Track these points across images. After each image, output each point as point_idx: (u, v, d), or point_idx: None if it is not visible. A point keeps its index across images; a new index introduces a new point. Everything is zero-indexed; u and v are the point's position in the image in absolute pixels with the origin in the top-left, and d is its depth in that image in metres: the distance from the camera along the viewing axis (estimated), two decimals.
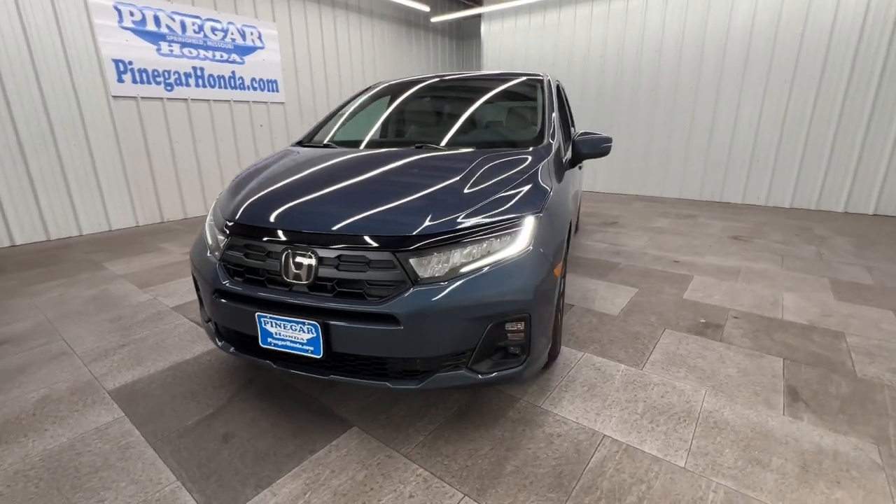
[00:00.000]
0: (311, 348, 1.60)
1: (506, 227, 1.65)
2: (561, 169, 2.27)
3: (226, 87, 6.25)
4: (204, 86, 6.01)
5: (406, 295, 1.53)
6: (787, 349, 2.36)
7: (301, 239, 1.65)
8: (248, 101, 6.54)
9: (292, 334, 1.61)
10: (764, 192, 6.49)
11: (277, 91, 6.87)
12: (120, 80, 5.24)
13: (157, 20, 5.43)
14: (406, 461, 1.61)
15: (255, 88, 6.58)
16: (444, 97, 3.14)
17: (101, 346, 2.49)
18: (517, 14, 8.22)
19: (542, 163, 2.05)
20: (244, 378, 2.15)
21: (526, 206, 1.74)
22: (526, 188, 1.83)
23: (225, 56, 6.17)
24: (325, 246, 1.61)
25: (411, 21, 9.03)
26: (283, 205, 1.82)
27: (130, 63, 5.30)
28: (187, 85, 5.83)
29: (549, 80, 2.90)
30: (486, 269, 1.58)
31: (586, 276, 3.55)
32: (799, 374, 2.13)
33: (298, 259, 1.63)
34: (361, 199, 1.77)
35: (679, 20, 6.70)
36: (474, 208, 1.67)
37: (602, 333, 2.57)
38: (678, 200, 6.91)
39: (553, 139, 2.36)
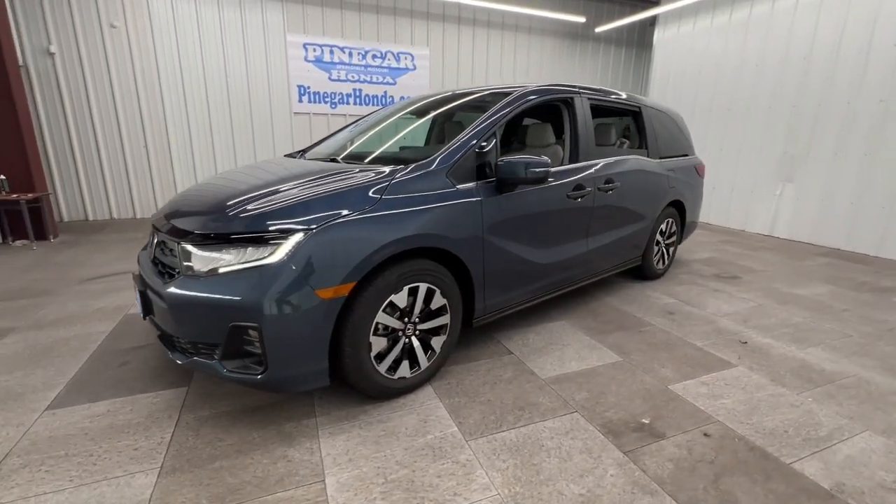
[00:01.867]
0: (141, 313, 2.02)
1: (271, 238, 1.69)
2: (442, 194, 2.04)
3: (378, 105, 7.42)
4: (360, 104, 7.30)
5: (175, 280, 1.77)
6: None
7: (155, 225, 2.08)
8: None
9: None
10: None
11: None
12: (300, 101, 6.92)
13: (331, 53, 6.93)
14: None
15: None
16: (413, 114, 3.10)
17: None
18: (697, 13, 6.84)
19: (376, 184, 1.92)
20: None
21: (302, 221, 1.71)
22: (318, 205, 1.78)
23: (380, 79, 7.34)
24: (160, 231, 2.00)
25: (575, 33, 8.61)
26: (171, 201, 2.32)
27: (308, 87, 6.93)
28: (347, 103, 7.21)
29: (519, 93, 2.55)
30: (233, 271, 1.67)
31: (582, 327, 2.88)
32: None
33: (155, 240, 2.07)
34: (210, 198, 2.07)
35: None
36: (254, 215, 1.76)
37: (505, 397, 2.14)
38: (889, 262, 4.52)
39: (447, 161, 2.12)
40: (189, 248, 1.76)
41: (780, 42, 5.79)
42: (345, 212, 1.78)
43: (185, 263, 1.76)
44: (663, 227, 3.80)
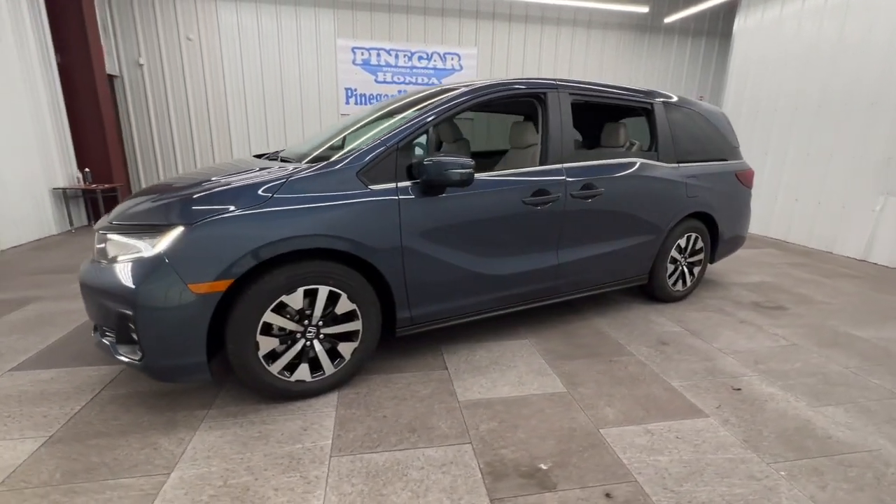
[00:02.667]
0: None
1: (156, 231, 1.74)
2: (348, 195, 1.94)
3: None
4: None
5: (84, 266, 1.91)
6: None
7: None
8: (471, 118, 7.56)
9: None
10: None
11: None
12: (347, 103, 7.22)
13: (378, 56, 7.12)
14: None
15: None
16: (389, 113, 2.98)
17: None
18: None
19: (270, 182, 1.88)
20: None
21: (184, 216, 1.74)
22: (204, 201, 1.79)
23: (426, 80, 7.37)
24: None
25: (642, 25, 7.83)
26: None
27: (355, 89, 7.20)
28: None
29: (459, 91, 2.35)
30: (123, 261, 1.75)
31: (544, 348, 2.57)
32: None
33: None
34: (144, 192, 2.19)
35: None
36: (147, 209, 1.83)
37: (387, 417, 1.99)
38: None
39: (358, 161, 2.01)
40: (98, 235, 1.89)
41: (890, 24, 4.67)
42: (230, 208, 1.78)
43: (97, 248, 1.90)
44: (681, 242, 3.27)
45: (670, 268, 3.30)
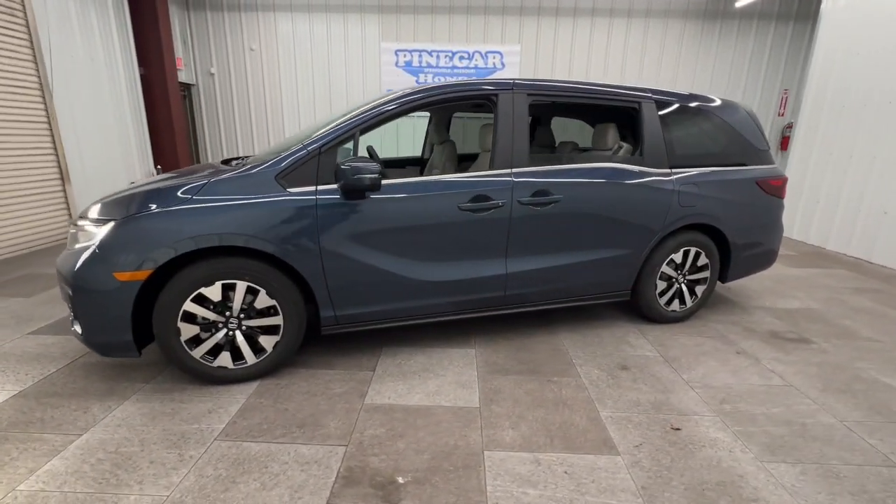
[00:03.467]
0: None
1: (100, 223, 2.01)
2: (265, 197, 2.06)
3: None
4: None
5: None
6: None
7: None
8: (479, 117, 7.49)
9: None
10: None
11: None
12: None
13: (420, 57, 7.25)
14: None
15: None
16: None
17: None
18: None
19: (193, 183, 2.06)
20: None
21: (115, 212, 1.98)
22: (135, 200, 2.02)
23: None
24: None
25: (709, 11, 6.98)
26: None
27: None
28: None
29: (393, 97, 2.35)
30: (74, 249, 2.05)
31: (484, 360, 2.46)
32: None
33: None
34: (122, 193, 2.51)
35: None
36: (99, 205, 2.11)
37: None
38: None
39: (276, 165, 2.12)
40: (71, 226, 2.23)
41: None
42: (153, 207, 1.99)
43: (69, 235, 2.23)
44: (676, 257, 2.91)
45: (661, 285, 2.96)
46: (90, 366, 2.38)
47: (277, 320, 2.20)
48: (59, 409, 2.00)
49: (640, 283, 2.91)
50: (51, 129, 4.77)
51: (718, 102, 3.02)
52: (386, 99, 2.34)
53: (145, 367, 2.37)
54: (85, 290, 1.94)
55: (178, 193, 2.02)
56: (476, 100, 2.49)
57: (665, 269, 2.92)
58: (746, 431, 1.96)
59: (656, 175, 2.74)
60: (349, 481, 1.62)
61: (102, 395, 2.11)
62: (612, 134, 2.98)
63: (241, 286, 2.10)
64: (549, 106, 3.77)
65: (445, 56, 7.25)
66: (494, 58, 7.25)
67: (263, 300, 2.15)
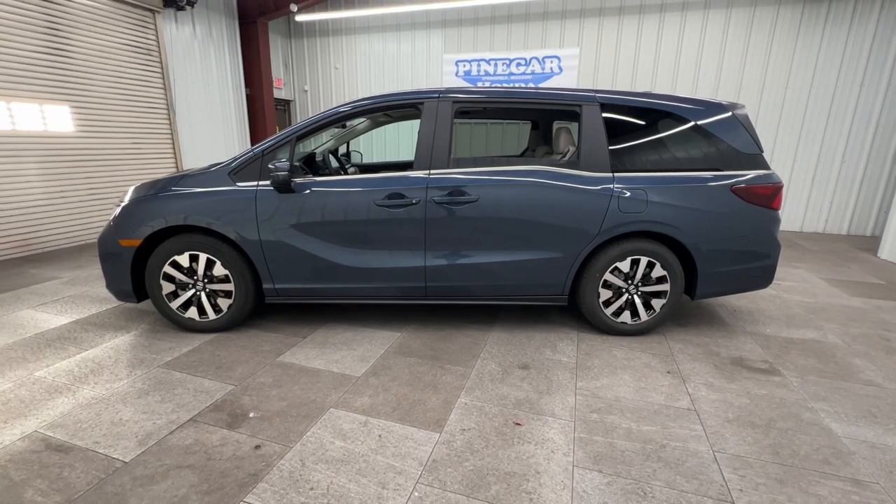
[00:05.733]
0: None
1: (118, 205, 2.82)
2: (219, 189, 2.67)
3: None
4: None
5: None
6: None
7: None
8: (527, 123, 7.47)
9: None
10: None
11: None
12: None
13: (478, 66, 7.54)
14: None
15: None
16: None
17: None
18: None
19: (179, 177, 2.73)
20: None
21: (123, 198, 2.77)
22: (142, 188, 2.80)
23: (523, 86, 7.39)
24: None
25: None
26: None
27: None
28: None
29: (331, 110, 2.75)
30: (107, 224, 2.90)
31: (399, 344, 2.71)
32: None
33: None
34: None
35: None
36: (128, 190, 2.94)
37: None
38: None
39: (230, 164, 2.70)
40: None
41: None
42: (149, 194, 2.73)
43: None
44: (622, 265, 2.77)
45: (605, 294, 2.84)
46: (127, 309, 3.28)
47: (230, 287, 2.79)
48: (88, 333, 2.86)
49: (579, 289, 2.84)
50: (172, 140, 6.29)
51: (692, 105, 2.78)
52: (323, 112, 2.78)
53: (154, 314, 3.18)
54: (104, 252, 2.77)
55: (165, 184, 2.74)
56: (407, 107, 2.78)
57: (610, 277, 2.80)
58: (588, 439, 1.91)
59: (590, 179, 2.68)
60: (216, 408, 2.08)
61: (118, 329, 2.93)
62: (563, 137, 2.97)
63: (203, 257, 2.73)
64: (541, 112, 3.81)
65: (503, 64, 7.41)
66: (552, 62, 7.17)
67: (219, 270, 2.75)
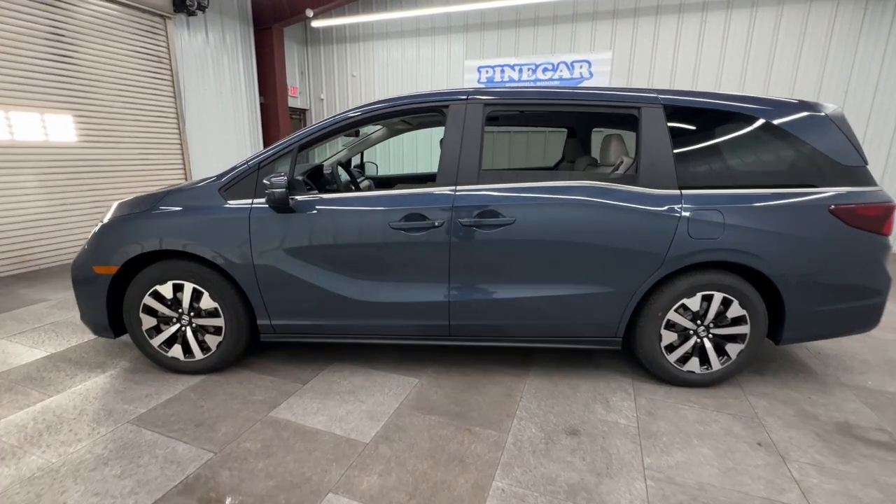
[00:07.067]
0: None
1: (97, 225, 2.45)
2: (207, 207, 2.27)
3: None
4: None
5: None
6: None
7: None
8: (563, 131, 6.98)
9: None
10: None
11: None
12: None
13: (502, 72, 7.11)
14: None
15: None
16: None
17: None
18: None
19: (160, 193, 2.38)
20: None
21: (105, 216, 2.38)
22: (124, 205, 2.43)
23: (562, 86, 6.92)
24: None
25: None
26: None
27: None
28: None
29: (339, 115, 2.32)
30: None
31: (419, 395, 2.24)
32: None
33: None
34: None
35: None
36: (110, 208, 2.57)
37: None
38: None
39: (221, 178, 2.32)
40: None
41: None
42: (130, 212, 2.34)
43: None
44: (690, 303, 2.26)
45: (670, 337, 2.32)
46: (109, 341, 2.90)
47: (220, 322, 2.37)
48: (59, 372, 2.47)
49: (636, 330, 2.33)
50: (182, 150, 6.01)
51: (775, 106, 2.27)
52: (330, 118, 2.36)
53: (137, 349, 2.79)
54: (77, 278, 2.38)
55: (147, 201, 2.35)
56: (427, 112, 2.35)
57: (674, 316, 2.29)
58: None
59: (653, 197, 2.18)
60: (186, 489, 1.64)
61: (93, 368, 2.54)
62: (613, 147, 2.49)
63: (189, 287, 2.32)
64: (587, 116, 3.35)
65: (528, 69, 6.97)
66: (581, 67, 6.69)
67: (207, 302, 2.34)
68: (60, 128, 4.64)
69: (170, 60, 5.72)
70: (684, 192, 2.19)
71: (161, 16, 5.54)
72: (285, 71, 7.43)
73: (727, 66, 6.09)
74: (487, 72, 7.20)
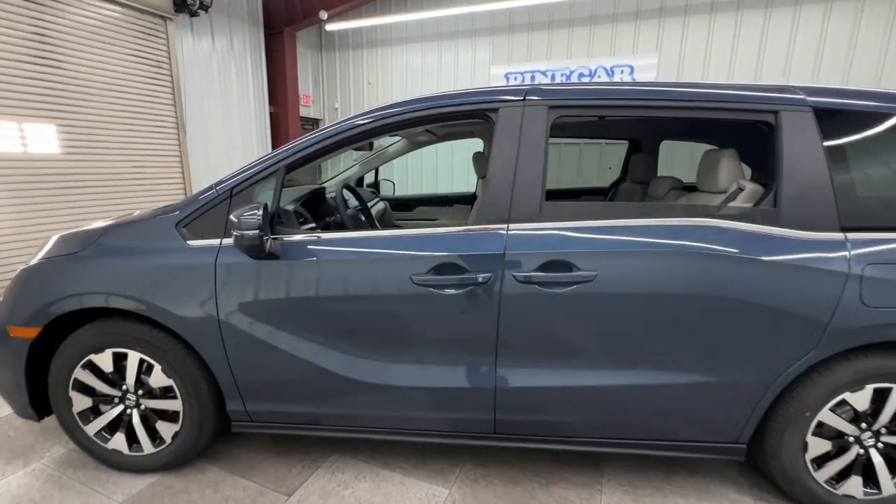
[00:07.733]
0: None
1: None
2: (158, 249, 1.62)
3: None
4: None
5: None
6: None
7: None
8: (600, 143, 6.29)
9: None
10: None
11: None
12: None
13: (532, 79, 6.46)
14: None
15: None
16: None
17: None
18: None
19: (98, 229, 1.76)
20: None
21: (32, 258, 1.76)
22: (53, 244, 1.81)
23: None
24: None
25: None
26: None
27: None
28: None
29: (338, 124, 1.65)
30: None
31: None
32: None
33: None
34: None
35: None
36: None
37: None
38: None
39: (182, 210, 1.66)
40: None
41: None
42: (54, 254, 1.72)
43: None
44: (854, 399, 1.51)
45: (821, 446, 1.57)
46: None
47: (177, 404, 1.72)
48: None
49: (768, 435, 1.59)
50: (181, 163, 5.49)
51: None
52: (329, 127, 1.72)
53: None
54: None
55: (80, 239, 1.72)
56: (459, 119, 1.68)
57: (830, 417, 1.54)
58: None
59: (803, 243, 1.46)
60: None
61: (14, 455, 1.91)
62: (724, 168, 1.78)
63: (134, 357, 1.68)
64: (655, 124, 2.67)
65: (562, 75, 6.30)
66: (622, 72, 6.00)
67: (160, 378, 1.69)
68: (40, 138, 4.13)
69: (170, 65, 5.21)
70: (850, 236, 1.46)
71: (160, 17, 5.05)
72: (297, 78, 6.92)
73: (795, 65, 5.31)
74: (516, 78, 6.56)
